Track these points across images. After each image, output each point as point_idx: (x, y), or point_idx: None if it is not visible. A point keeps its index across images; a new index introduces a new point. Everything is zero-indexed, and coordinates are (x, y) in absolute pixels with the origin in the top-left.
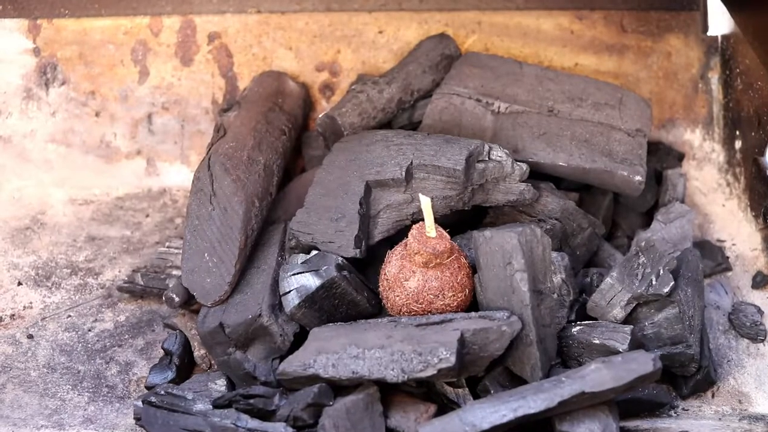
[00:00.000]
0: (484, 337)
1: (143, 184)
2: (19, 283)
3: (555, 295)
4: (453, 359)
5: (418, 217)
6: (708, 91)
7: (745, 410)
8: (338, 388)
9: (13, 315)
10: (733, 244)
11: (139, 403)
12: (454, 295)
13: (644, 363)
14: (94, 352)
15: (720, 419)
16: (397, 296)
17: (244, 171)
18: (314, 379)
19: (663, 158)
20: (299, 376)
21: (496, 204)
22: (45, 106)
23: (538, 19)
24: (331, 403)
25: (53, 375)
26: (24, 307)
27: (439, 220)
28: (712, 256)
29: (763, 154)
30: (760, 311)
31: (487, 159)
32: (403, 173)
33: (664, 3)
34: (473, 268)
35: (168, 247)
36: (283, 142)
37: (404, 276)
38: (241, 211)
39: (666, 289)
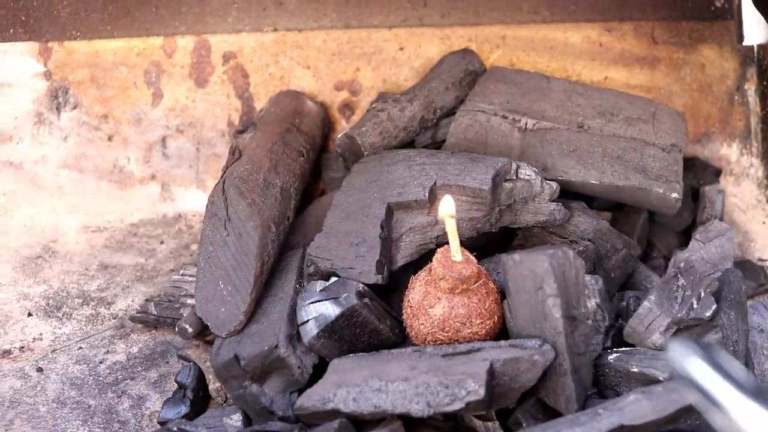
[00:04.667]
0: (514, 367)
1: (158, 210)
2: (29, 314)
3: (589, 321)
4: (482, 392)
5: (443, 240)
6: (744, 103)
7: None
8: (360, 423)
9: (23, 347)
10: None
11: None
12: (482, 323)
13: (687, 393)
14: (105, 386)
15: None
16: (422, 324)
17: (260, 194)
18: (335, 413)
19: (699, 174)
20: (318, 410)
21: (525, 225)
22: (57, 130)
23: (565, 32)
24: None
25: (63, 410)
26: (34, 338)
27: (466, 243)
28: (753, 276)
29: None
30: None
31: (514, 178)
32: (427, 194)
33: (697, 13)
34: (502, 294)
35: (182, 274)
36: (301, 163)
37: (429, 303)
38: (257, 236)
39: (708, 313)
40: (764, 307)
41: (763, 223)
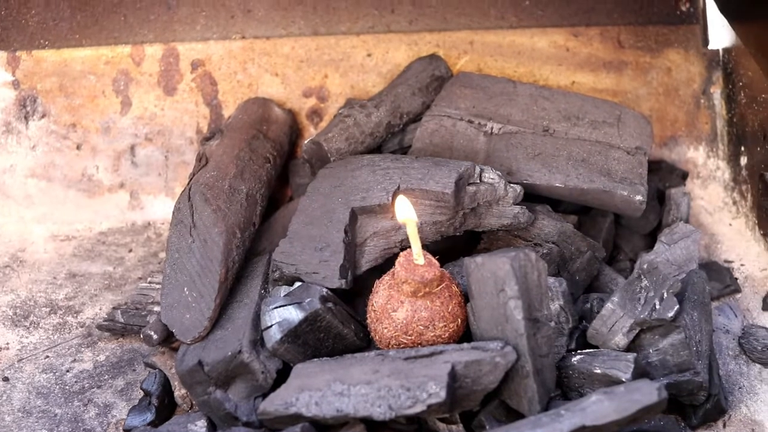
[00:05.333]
0: (476, 369)
1: (126, 218)
2: None
3: (552, 323)
4: (443, 394)
5: (407, 245)
6: (711, 106)
7: None
8: (323, 427)
9: None
10: (742, 265)
11: None
12: (445, 326)
13: (648, 393)
14: (72, 395)
15: None
16: (386, 328)
17: (225, 201)
18: (297, 418)
19: (666, 177)
20: (281, 415)
21: (490, 228)
22: (25, 139)
23: (532, 37)
24: None
25: (29, 419)
26: (0, 348)
27: (430, 247)
28: (719, 278)
29: None
30: None
31: (478, 181)
32: (390, 198)
33: (662, 17)
34: (466, 297)
35: (150, 282)
36: (267, 170)
37: (392, 306)
38: (222, 242)
39: (670, 314)
40: (730, 308)
41: (730, 225)
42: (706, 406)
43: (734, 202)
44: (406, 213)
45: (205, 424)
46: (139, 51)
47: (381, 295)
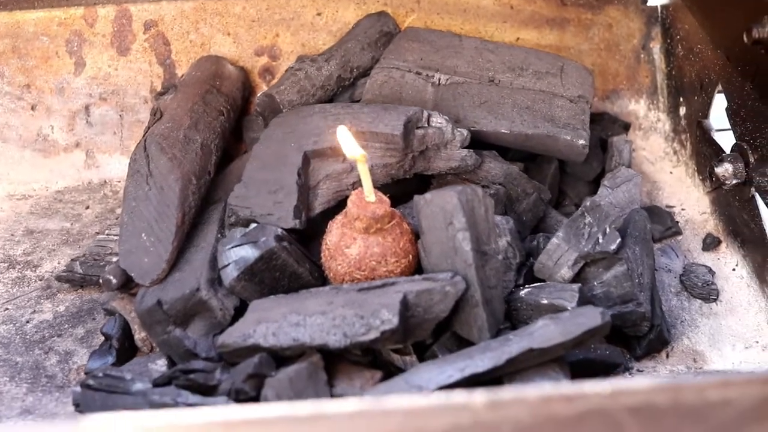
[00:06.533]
0: (428, 298)
1: (83, 177)
2: None
3: (500, 257)
4: (396, 320)
5: (358, 187)
6: (650, 61)
7: (700, 368)
8: (282, 359)
9: None
10: (683, 209)
11: (78, 389)
12: (397, 261)
13: (593, 317)
14: (32, 343)
15: (675, 378)
16: (339, 265)
17: (181, 150)
18: (255, 349)
19: (608, 127)
20: (239, 347)
21: (439, 172)
22: None
23: None
24: (273, 373)
25: None
26: None
27: (381, 191)
28: (661, 221)
29: (706, 116)
30: (711, 271)
31: (426, 125)
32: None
33: None
34: (417, 236)
35: (107, 234)
36: (221, 122)
37: (345, 243)
38: (178, 188)
39: (613, 246)
40: (672, 249)
41: (671, 173)
42: (649, 337)
43: (674, 152)
44: (352, 148)
45: (165, 362)
46: (91, 12)
47: (334, 233)
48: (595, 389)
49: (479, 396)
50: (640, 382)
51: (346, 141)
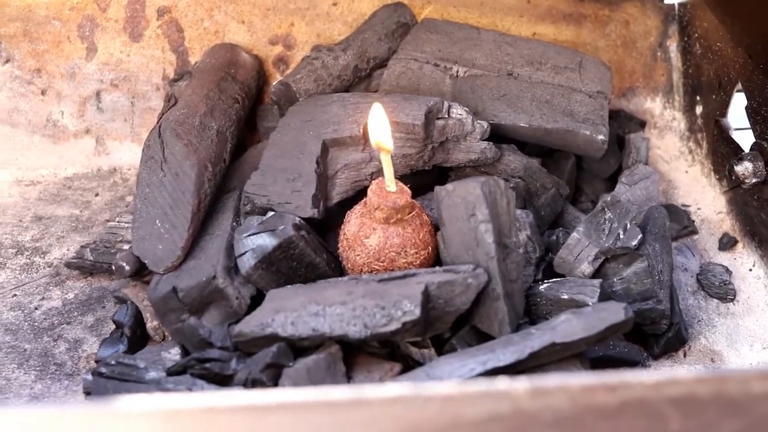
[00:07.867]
0: (449, 290)
1: (92, 164)
2: None
3: (521, 250)
4: (417, 312)
5: (377, 177)
6: (667, 59)
7: (718, 368)
8: (299, 350)
9: None
10: (699, 209)
11: (89, 377)
12: (416, 252)
13: (615, 312)
14: (41, 331)
15: (718, 370)
16: (358, 255)
17: (196, 136)
18: (273, 339)
19: (625, 125)
20: (257, 336)
21: (458, 164)
22: None
23: None
24: (291, 363)
25: None
26: None
27: (400, 181)
28: (678, 220)
29: (724, 115)
30: (728, 271)
31: (446, 116)
32: (361, 130)
33: None
34: (436, 228)
35: (118, 221)
36: (237, 110)
37: (364, 234)
38: (194, 174)
39: (634, 242)
40: (687, 248)
41: (686, 172)
42: (667, 335)
43: (690, 151)
44: (384, 136)
45: (179, 351)
46: None
47: (353, 223)
48: (638, 378)
49: (521, 383)
50: (683, 372)
51: (378, 125)
